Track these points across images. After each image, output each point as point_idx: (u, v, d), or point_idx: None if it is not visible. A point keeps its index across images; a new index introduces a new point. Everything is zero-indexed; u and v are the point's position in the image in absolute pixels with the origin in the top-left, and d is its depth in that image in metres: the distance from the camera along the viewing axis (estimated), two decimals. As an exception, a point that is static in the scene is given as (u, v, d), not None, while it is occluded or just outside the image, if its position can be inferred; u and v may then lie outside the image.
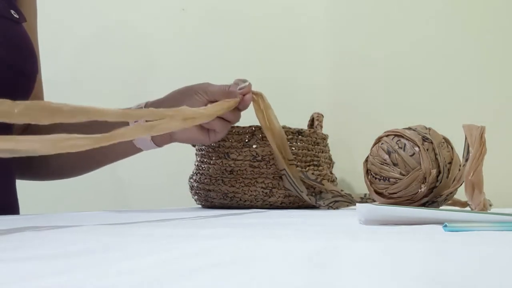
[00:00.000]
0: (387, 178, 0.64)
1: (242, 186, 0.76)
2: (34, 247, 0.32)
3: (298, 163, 0.78)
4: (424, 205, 0.63)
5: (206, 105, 0.68)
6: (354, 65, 1.03)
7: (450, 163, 0.63)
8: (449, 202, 0.66)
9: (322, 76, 1.05)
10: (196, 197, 0.82)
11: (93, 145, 0.38)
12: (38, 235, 0.36)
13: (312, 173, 0.78)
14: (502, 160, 0.87)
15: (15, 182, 0.74)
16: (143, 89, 1.12)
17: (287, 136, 0.78)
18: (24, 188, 0.79)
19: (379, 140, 0.67)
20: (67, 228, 0.40)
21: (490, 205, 0.64)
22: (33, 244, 0.33)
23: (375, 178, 0.65)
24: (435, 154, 0.62)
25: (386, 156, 0.64)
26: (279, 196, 0.76)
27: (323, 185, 0.77)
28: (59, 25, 1.20)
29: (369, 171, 0.67)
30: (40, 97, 0.80)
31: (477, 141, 0.53)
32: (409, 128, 0.65)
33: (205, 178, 0.79)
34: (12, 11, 0.68)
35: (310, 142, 0.80)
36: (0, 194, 0.69)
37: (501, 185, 0.83)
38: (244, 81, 0.73)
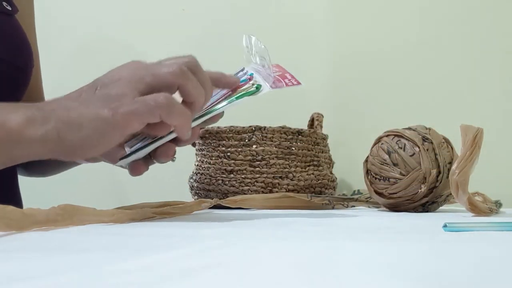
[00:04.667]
0: (387, 178, 0.64)
1: (242, 186, 0.76)
2: (35, 246, 0.32)
3: (298, 163, 0.78)
4: (424, 205, 0.63)
5: None
6: (354, 65, 1.03)
7: (450, 163, 0.63)
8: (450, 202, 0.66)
9: (322, 76, 1.05)
10: (196, 197, 0.82)
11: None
12: (40, 235, 0.36)
13: (312, 173, 0.78)
14: (504, 159, 0.87)
15: (18, 182, 0.74)
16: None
17: (287, 136, 0.78)
18: (27, 185, 0.79)
19: (379, 140, 0.67)
20: (68, 228, 0.40)
21: (499, 205, 0.64)
22: (34, 244, 0.33)
23: (375, 178, 0.65)
24: (435, 154, 0.62)
25: (386, 156, 0.64)
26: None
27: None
28: (59, 26, 1.20)
29: (369, 171, 0.67)
30: (37, 92, 0.78)
31: (469, 141, 0.52)
32: (409, 128, 0.65)
33: (205, 178, 0.79)
34: (4, 3, 0.66)
35: (310, 142, 0.80)
36: (4, 192, 0.69)
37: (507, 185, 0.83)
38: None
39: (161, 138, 0.50)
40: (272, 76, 0.52)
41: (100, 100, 0.45)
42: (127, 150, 0.52)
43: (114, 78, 0.47)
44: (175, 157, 0.53)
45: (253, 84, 0.52)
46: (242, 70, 0.57)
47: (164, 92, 0.46)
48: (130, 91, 0.45)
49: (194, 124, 0.50)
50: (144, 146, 0.51)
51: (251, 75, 0.54)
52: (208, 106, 0.52)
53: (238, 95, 0.51)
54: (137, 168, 0.52)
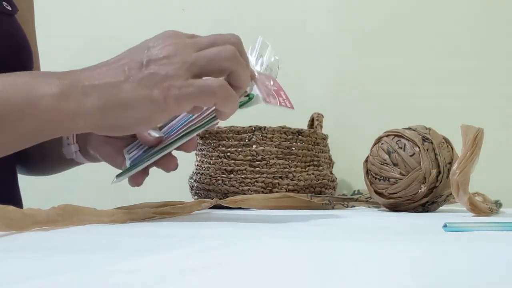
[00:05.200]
0: (387, 178, 0.64)
1: (242, 186, 0.76)
2: (35, 246, 0.32)
3: (298, 163, 0.78)
4: (424, 205, 0.63)
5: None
6: (354, 65, 1.03)
7: (450, 163, 0.63)
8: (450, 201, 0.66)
9: (322, 76, 1.05)
10: (196, 197, 0.82)
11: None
12: (40, 235, 0.36)
13: (312, 173, 0.78)
14: (504, 159, 0.87)
15: (17, 179, 0.74)
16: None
17: (287, 136, 0.78)
18: (27, 185, 0.79)
19: (379, 140, 0.67)
20: (68, 228, 0.40)
21: (499, 205, 0.64)
22: (34, 244, 0.33)
23: (375, 178, 0.65)
24: (435, 154, 0.62)
25: (386, 156, 0.64)
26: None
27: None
28: (59, 26, 1.20)
29: (369, 171, 0.67)
30: None
31: (470, 142, 0.52)
32: (409, 128, 0.65)
33: (205, 178, 0.79)
34: (4, 3, 0.65)
35: (310, 142, 0.80)
36: (4, 191, 0.69)
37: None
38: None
39: (162, 150, 0.49)
40: (270, 90, 0.50)
41: (151, 80, 0.43)
42: (127, 163, 0.51)
43: (161, 54, 0.44)
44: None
45: (245, 94, 0.49)
46: None
47: (216, 77, 0.45)
48: (183, 73, 0.43)
49: (191, 135, 0.49)
50: (143, 159, 0.50)
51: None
52: (204, 116, 0.49)
53: None
54: (136, 178, 0.51)
